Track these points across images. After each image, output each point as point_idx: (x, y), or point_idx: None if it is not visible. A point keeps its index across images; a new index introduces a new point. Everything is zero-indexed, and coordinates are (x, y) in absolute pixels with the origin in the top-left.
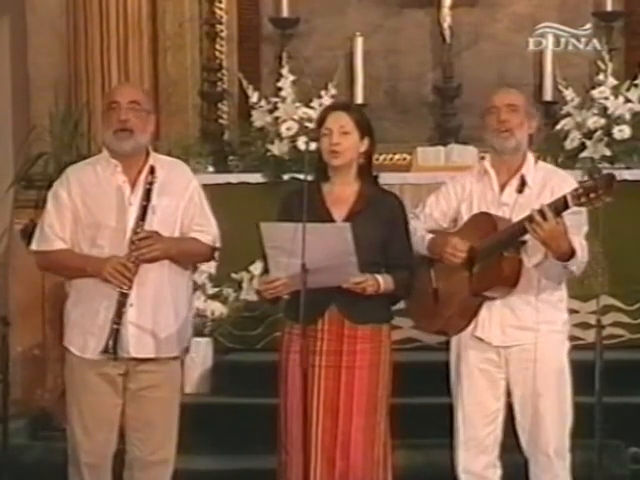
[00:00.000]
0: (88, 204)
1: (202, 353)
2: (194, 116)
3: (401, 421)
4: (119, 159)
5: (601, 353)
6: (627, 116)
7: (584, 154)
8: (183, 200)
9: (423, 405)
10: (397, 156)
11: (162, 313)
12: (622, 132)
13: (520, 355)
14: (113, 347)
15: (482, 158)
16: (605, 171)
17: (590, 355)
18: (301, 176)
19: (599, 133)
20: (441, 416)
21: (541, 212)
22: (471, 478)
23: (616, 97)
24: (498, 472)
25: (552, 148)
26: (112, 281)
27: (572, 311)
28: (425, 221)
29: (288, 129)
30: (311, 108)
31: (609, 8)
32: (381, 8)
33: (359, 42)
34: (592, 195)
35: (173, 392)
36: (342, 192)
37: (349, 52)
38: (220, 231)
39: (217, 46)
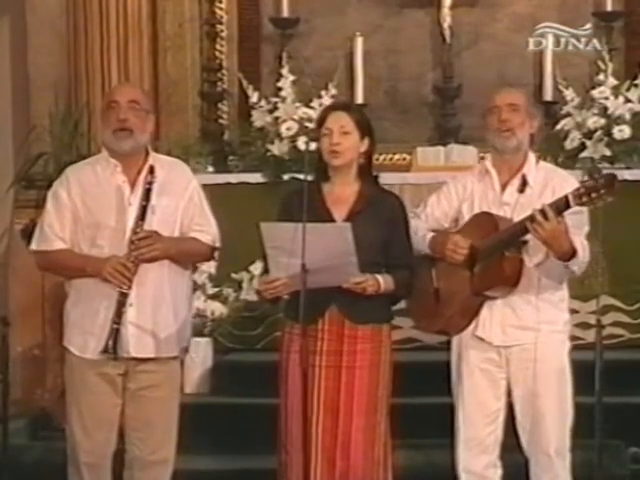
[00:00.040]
0: (88, 204)
1: (202, 353)
2: (194, 116)
3: (401, 421)
4: (119, 159)
5: (601, 353)
6: (627, 116)
7: (584, 154)
8: (183, 200)
9: (423, 405)
10: (397, 156)
11: (162, 313)
12: (622, 132)
13: (521, 355)
14: (113, 347)
15: (482, 158)
16: (605, 171)
17: (590, 355)
18: (301, 176)
19: (599, 133)
20: (441, 416)
21: (542, 212)
22: (472, 478)
23: (616, 97)
24: (499, 472)
25: (552, 148)
26: (112, 281)
27: (572, 311)
28: (426, 221)
29: (288, 129)
30: (311, 108)
31: (609, 8)
32: (381, 8)
33: (359, 42)
34: (594, 195)
35: (173, 392)
36: (342, 192)
37: (349, 52)
38: (220, 231)
39: (217, 46)
